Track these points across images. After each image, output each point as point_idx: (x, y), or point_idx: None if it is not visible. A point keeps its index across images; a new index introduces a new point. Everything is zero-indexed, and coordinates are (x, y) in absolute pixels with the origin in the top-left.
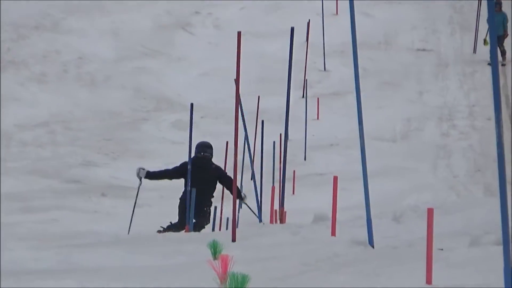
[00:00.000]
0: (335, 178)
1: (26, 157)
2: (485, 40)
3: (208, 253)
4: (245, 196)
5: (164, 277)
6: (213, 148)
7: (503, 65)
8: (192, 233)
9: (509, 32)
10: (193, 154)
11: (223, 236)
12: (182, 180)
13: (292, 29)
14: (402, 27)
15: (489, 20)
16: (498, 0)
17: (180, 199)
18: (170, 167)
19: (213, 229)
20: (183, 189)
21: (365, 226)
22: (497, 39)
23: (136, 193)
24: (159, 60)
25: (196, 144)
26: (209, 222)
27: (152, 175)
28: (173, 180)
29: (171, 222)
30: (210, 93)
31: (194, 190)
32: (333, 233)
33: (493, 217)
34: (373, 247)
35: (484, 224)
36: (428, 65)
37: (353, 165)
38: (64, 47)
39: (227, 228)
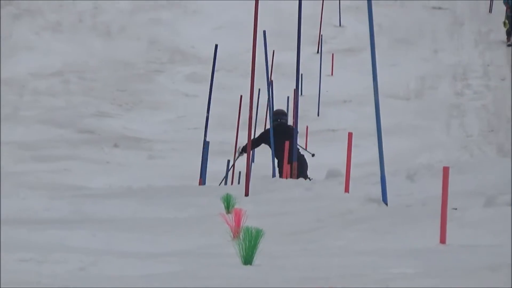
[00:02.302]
0: (350, 134)
1: (39, 106)
2: (504, 23)
3: (221, 206)
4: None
5: (176, 229)
6: (287, 114)
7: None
8: (205, 186)
9: None
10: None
11: (236, 190)
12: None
13: None
14: None
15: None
16: None
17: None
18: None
19: (225, 183)
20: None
21: (378, 183)
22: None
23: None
24: (175, 12)
25: (275, 111)
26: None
27: (246, 148)
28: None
29: None
30: (225, 46)
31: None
32: (347, 189)
33: (507, 177)
34: (386, 204)
35: (498, 184)
36: (444, 23)
37: (366, 122)
38: None
39: (239, 182)
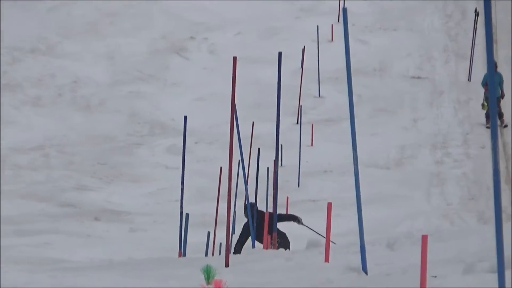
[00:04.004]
0: (329, 205)
1: (20, 180)
2: (483, 105)
3: (202, 278)
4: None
5: None
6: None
7: (505, 126)
8: (185, 257)
9: (506, 92)
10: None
11: (216, 261)
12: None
13: (280, 54)
14: (397, 55)
15: (488, 80)
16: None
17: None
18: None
19: (206, 254)
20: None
21: (358, 252)
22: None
23: None
24: (154, 84)
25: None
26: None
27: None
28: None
29: None
30: (205, 118)
31: None
32: (327, 259)
33: (487, 245)
34: (366, 273)
35: (478, 251)
36: (423, 93)
37: (347, 191)
38: (59, 70)
39: (220, 253)
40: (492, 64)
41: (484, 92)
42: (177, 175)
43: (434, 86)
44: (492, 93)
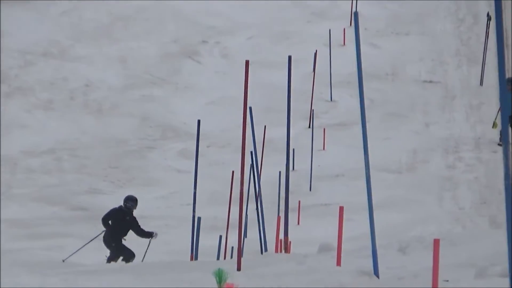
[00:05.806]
0: (341, 209)
1: (32, 184)
2: (494, 123)
3: (213, 281)
4: (156, 234)
5: None
6: (137, 201)
7: None
8: (197, 261)
9: None
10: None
11: (228, 264)
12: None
13: (290, 58)
14: (409, 59)
15: (500, 99)
16: (508, 79)
17: (104, 237)
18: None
19: (218, 258)
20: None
21: (370, 256)
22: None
23: None
24: (166, 88)
25: (125, 196)
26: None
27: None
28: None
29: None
30: (217, 122)
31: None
32: (338, 263)
33: (498, 249)
34: (378, 277)
35: (490, 255)
36: (435, 97)
37: (359, 196)
38: (71, 74)
39: (231, 257)
40: (503, 75)
41: (498, 110)
42: (188, 179)
43: (446, 91)
44: (505, 112)
